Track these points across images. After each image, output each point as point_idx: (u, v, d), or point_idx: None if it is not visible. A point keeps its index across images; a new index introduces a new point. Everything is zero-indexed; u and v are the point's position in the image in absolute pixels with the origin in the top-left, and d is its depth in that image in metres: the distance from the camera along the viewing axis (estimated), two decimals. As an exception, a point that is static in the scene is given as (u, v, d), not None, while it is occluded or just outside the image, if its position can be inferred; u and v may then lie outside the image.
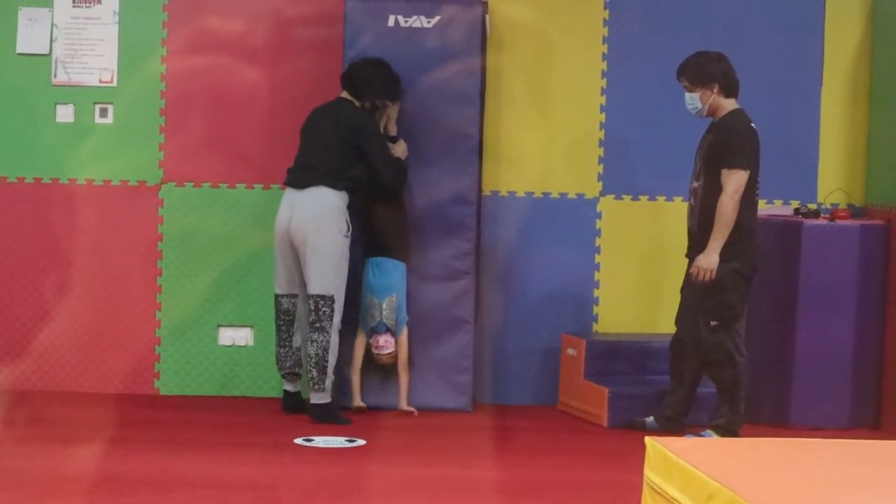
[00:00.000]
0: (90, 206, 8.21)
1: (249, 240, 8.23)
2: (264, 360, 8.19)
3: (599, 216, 8.40)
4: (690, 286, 7.29)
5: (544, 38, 8.33)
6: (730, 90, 7.30)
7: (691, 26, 8.25)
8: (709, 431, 7.25)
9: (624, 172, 8.38)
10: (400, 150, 7.88)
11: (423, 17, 7.98)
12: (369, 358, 7.94)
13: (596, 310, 8.42)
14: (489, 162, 8.29)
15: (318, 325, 7.59)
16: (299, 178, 7.71)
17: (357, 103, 7.79)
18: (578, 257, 8.37)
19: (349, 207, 7.71)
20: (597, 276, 8.41)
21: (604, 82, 8.37)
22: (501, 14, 8.25)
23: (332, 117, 7.75)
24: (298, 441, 7.21)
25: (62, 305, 8.20)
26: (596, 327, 8.42)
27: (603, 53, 8.36)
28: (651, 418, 7.55)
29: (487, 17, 8.09)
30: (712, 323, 7.23)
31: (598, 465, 6.99)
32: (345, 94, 7.82)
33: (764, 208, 7.96)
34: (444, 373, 8.02)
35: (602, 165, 8.39)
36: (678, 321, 7.45)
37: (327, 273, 7.59)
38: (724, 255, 7.14)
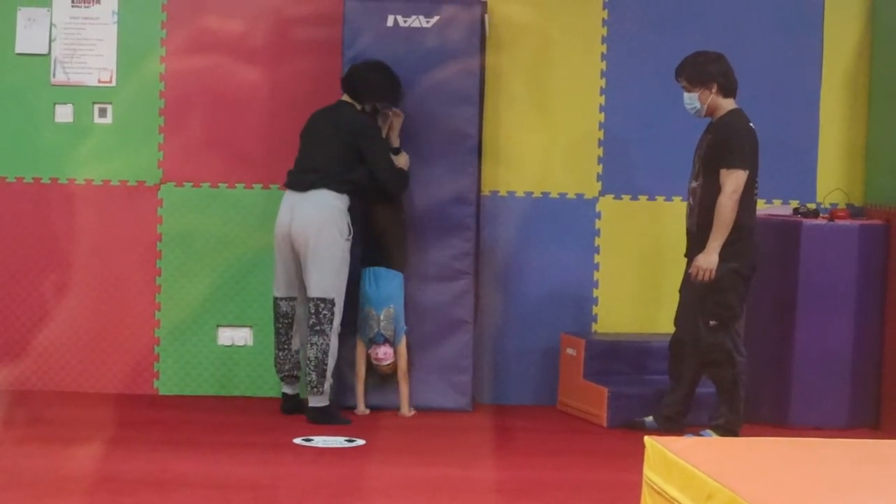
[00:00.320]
0: (89, 206, 8.20)
1: (249, 240, 8.23)
2: (263, 360, 8.19)
3: (599, 216, 8.40)
4: (689, 286, 7.29)
5: (544, 38, 8.33)
6: (728, 90, 7.30)
7: (690, 26, 8.25)
8: (708, 431, 7.25)
9: (623, 172, 8.38)
10: (402, 161, 7.88)
11: (422, 17, 7.98)
12: (369, 363, 7.94)
13: (595, 310, 8.42)
14: (488, 162, 8.29)
15: (317, 328, 7.58)
16: (300, 180, 7.69)
17: (358, 107, 7.78)
18: (578, 257, 8.37)
19: (349, 210, 7.70)
20: (596, 275, 8.41)
21: (603, 82, 8.37)
22: (501, 14, 8.26)
23: (333, 121, 7.74)
24: (298, 441, 7.21)
25: (61, 305, 8.19)
26: (595, 327, 8.42)
27: (602, 53, 8.36)
28: (650, 418, 7.55)
29: (486, 16, 8.09)
30: (711, 323, 7.23)
31: (597, 464, 6.99)
32: (345, 98, 7.81)
33: (763, 208, 7.96)
34: (444, 373, 8.02)
35: (601, 165, 8.40)
36: (677, 321, 7.45)
37: (328, 276, 7.58)
38: (724, 254, 7.14)
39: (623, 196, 8.40)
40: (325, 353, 7.59)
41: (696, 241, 7.26)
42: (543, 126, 8.36)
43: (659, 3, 8.36)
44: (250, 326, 8.27)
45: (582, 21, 8.34)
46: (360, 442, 7.25)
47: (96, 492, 6.12)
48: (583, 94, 8.35)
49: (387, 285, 7.87)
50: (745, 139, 7.21)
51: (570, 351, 8.11)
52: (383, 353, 7.86)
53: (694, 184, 7.34)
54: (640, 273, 8.41)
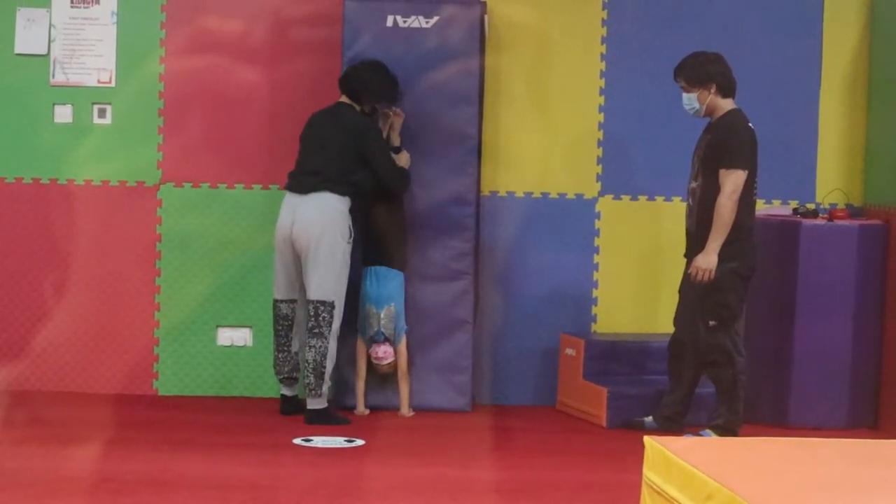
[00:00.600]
0: (88, 206, 8.20)
1: (248, 240, 8.23)
2: (263, 361, 8.19)
3: (598, 216, 8.40)
4: (689, 286, 7.29)
5: (543, 39, 8.33)
6: (727, 90, 7.30)
7: (690, 27, 8.25)
8: (707, 431, 7.25)
9: (622, 172, 8.38)
10: (403, 160, 7.88)
11: (421, 18, 7.98)
12: (369, 363, 7.94)
13: (595, 310, 8.42)
14: (488, 162, 8.29)
15: (317, 330, 7.58)
16: (302, 183, 7.68)
17: (357, 108, 7.78)
18: (577, 257, 8.37)
19: (350, 212, 7.70)
20: (595, 276, 8.41)
21: (602, 82, 8.37)
22: (500, 14, 8.26)
23: (333, 123, 7.73)
24: (297, 441, 7.21)
25: (61, 306, 8.19)
26: (595, 327, 8.42)
27: (601, 54, 8.36)
28: (650, 418, 7.55)
29: (486, 17, 8.09)
30: (711, 323, 7.23)
31: (597, 465, 6.99)
32: (344, 99, 7.80)
33: (762, 208, 7.96)
34: (443, 373, 8.02)
35: (601, 166, 8.40)
36: (677, 321, 7.45)
37: (329, 279, 7.58)
38: (723, 254, 7.14)
39: (622, 196, 8.40)
40: (324, 355, 7.58)
41: (696, 241, 7.27)
42: (543, 126, 8.36)
43: (658, 4, 8.36)
44: (250, 327, 8.27)
45: (581, 21, 8.34)
46: (360, 442, 7.25)
47: (96, 492, 6.12)
48: (582, 95, 8.35)
49: (388, 284, 7.87)
50: (744, 139, 7.21)
51: (569, 351, 8.11)
52: (383, 352, 7.86)
53: (693, 184, 7.34)
54: (639, 273, 8.41)
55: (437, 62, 7.95)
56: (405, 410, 7.89)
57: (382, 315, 7.85)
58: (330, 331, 7.59)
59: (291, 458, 6.92)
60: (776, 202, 8.36)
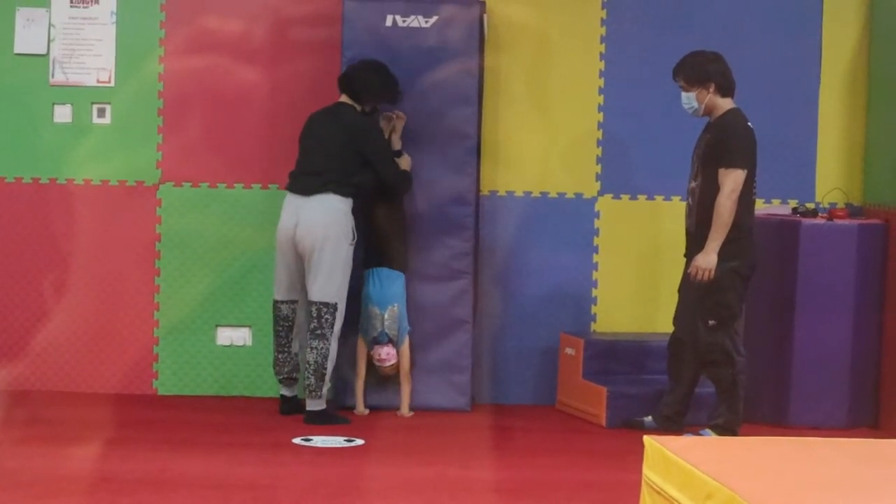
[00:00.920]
0: (88, 206, 8.20)
1: (248, 240, 8.23)
2: (262, 361, 8.19)
3: (597, 216, 8.40)
4: (688, 286, 7.29)
5: (542, 38, 8.33)
6: (726, 90, 7.30)
7: (689, 26, 8.25)
8: (707, 431, 7.25)
9: (622, 172, 8.38)
10: (405, 163, 7.88)
11: (421, 17, 7.98)
12: (369, 363, 7.94)
13: (594, 309, 8.42)
14: (487, 162, 8.29)
15: (318, 332, 7.57)
16: (304, 184, 7.67)
17: (358, 108, 7.78)
18: (577, 257, 8.37)
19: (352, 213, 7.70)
20: (595, 275, 8.41)
21: (601, 82, 8.37)
22: (499, 14, 8.25)
23: (333, 123, 7.72)
24: (297, 441, 7.21)
25: (60, 305, 8.19)
26: (594, 327, 8.42)
27: (601, 53, 8.36)
28: (649, 418, 7.55)
29: (485, 16, 8.09)
30: (710, 322, 7.23)
31: (596, 464, 6.99)
32: (344, 99, 7.80)
33: (762, 207, 7.96)
34: (443, 373, 8.02)
35: (600, 165, 8.40)
36: (676, 321, 7.45)
37: (332, 280, 7.57)
38: (722, 254, 7.14)
39: (622, 196, 8.40)
40: (325, 357, 7.58)
41: (695, 240, 7.27)
42: (542, 126, 8.36)
43: (658, 4, 8.36)
44: (249, 326, 8.27)
45: (581, 21, 8.34)
46: (359, 442, 7.25)
47: (95, 492, 6.12)
48: (582, 94, 8.35)
49: (390, 285, 7.87)
50: (743, 139, 7.21)
51: (569, 351, 8.11)
52: (386, 354, 7.85)
53: (693, 184, 7.34)
54: (639, 273, 8.41)
55: (437, 62, 7.95)
56: (405, 411, 7.89)
57: (386, 316, 7.85)
58: (331, 332, 7.58)
59: (291, 458, 6.92)
60: (776, 201, 8.36)
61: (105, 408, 7.87)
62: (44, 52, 8.21)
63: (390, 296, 7.86)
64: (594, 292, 8.42)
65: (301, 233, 7.59)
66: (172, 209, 8.25)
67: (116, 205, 8.21)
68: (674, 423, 7.42)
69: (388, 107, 7.93)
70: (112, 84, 8.22)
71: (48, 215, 8.21)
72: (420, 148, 7.97)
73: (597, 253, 8.41)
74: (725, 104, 7.30)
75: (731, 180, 7.12)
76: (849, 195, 8.38)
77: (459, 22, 7.97)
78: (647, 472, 4.72)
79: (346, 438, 7.28)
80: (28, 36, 8.19)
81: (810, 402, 7.86)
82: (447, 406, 7.99)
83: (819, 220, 8.00)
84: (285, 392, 7.87)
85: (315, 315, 7.57)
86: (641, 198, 8.40)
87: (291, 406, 7.83)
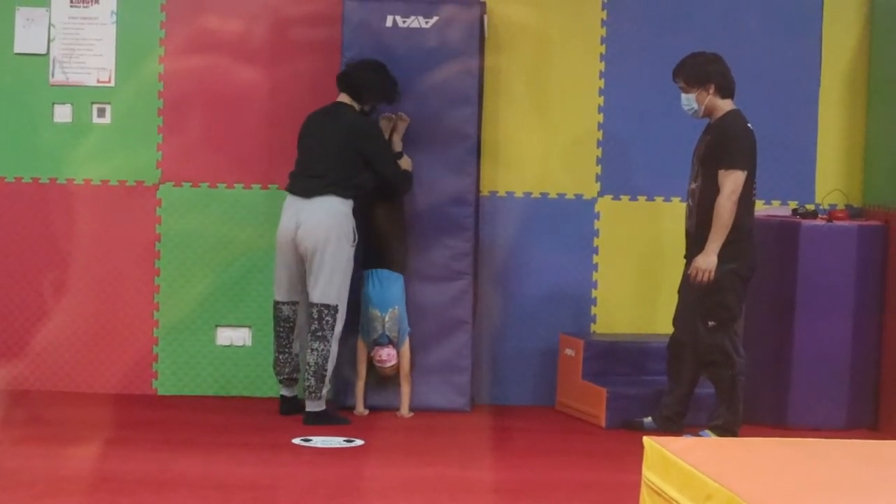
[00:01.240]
0: (88, 206, 8.20)
1: (248, 240, 8.23)
2: (262, 361, 8.19)
3: (597, 217, 8.40)
4: (688, 287, 7.29)
5: (542, 39, 8.33)
6: (726, 91, 7.30)
7: (689, 27, 8.25)
8: (707, 431, 7.25)
9: (622, 173, 8.38)
10: (405, 164, 7.89)
11: (421, 18, 7.98)
12: (370, 364, 7.94)
13: (594, 310, 8.42)
14: (487, 162, 8.29)
15: (319, 333, 7.57)
16: (305, 186, 7.65)
17: (357, 107, 7.77)
18: (576, 258, 8.37)
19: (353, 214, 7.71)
20: (595, 276, 8.41)
21: (602, 83, 8.37)
22: (500, 14, 8.25)
23: (333, 123, 7.70)
24: (296, 441, 7.21)
25: (60, 305, 8.19)
26: (594, 328, 8.42)
27: (601, 54, 8.36)
28: (649, 418, 7.55)
29: (485, 17, 8.09)
30: (710, 323, 7.23)
31: (596, 465, 7.00)
32: (343, 98, 7.79)
33: (762, 209, 7.96)
34: (443, 373, 8.02)
35: (600, 166, 8.40)
36: (676, 322, 7.45)
37: (333, 282, 7.57)
38: (722, 255, 7.14)
39: (622, 196, 8.40)
40: (326, 359, 7.58)
41: (695, 241, 7.27)
42: (542, 126, 8.36)
43: (658, 4, 8.36)
44: (249, 327, 8.27)
45: (581, 22, 8.34)
46: (359, 442, 7.26)
47: (95, 492, 6.12)
48: (582, 95, 8.35)
49: (390, 287, 7.87)
50: (743, 140, 7.21)
51: (568, 351, 8.11)
52: (386, 355, 7.85)
53: (693, 185, 7.34)
54: (638, 274, 8.41)
55: (437, 62, 7.96)
56: (405, 411, 7.89)
57: (387, 318, 7.85)
58: (332, 334, 7.58)
59: (291, 458, 6.92)
60: (776, 203, 8.36)
61: (105, 408, 7.87)
62: (44, 51, 8.21)
63: (390, 298, 7.86)
64: (594, 293, 8.42)
65: (302, 234, 7.58)
66: (172, 209, 8.25)
67: (116, 205, 8.21)
68: (673, 424, 7.42)
69: (387, 107, 7.93)
70: (112, 84, 8.22)
71: (48, 215, 8.21)
72: (420, 148, 7.97)
73: (597, 254, 8.41)
74: (725, 105, 7.30)
75: (732, 181, 7.12)
76: (849, 196, 8.38)
77: (459, 22, 7.97)
78: (647, 472, 4.72)
79: (345, 439, 7.28)
80: (28, 36, 8.19)
81: (810, 403, 7.86)
82: (447, 406, 7.99)
83: (819, 222, 8.00)
84: (285, 392, 7.87)
85: (316, 317, 7.57)
86: (641, 199, 8.40)
87: (291, 406, 7.83)
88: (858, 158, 8.42)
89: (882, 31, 8.26)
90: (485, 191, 8.32)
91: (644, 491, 4.76)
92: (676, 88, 7.35)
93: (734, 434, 7.18)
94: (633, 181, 8.38)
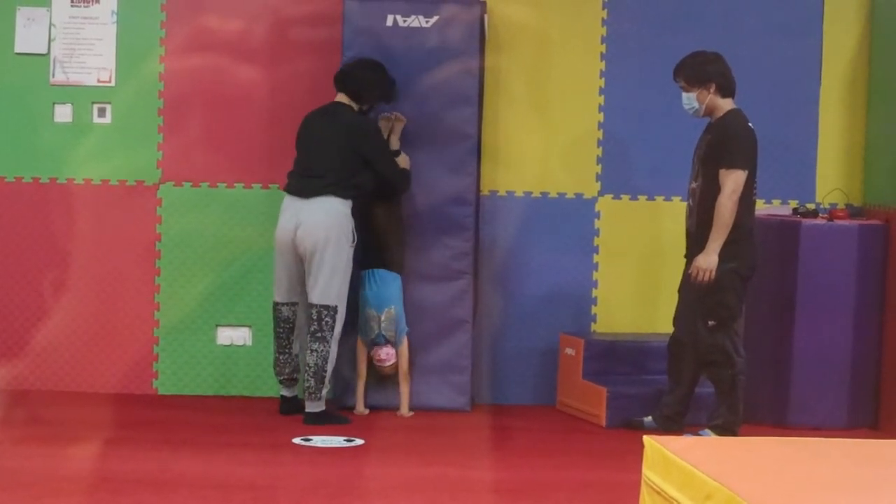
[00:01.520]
0: (88, 205, 8.20)
1: (248, 240, 8.23)
2: (263, 360, 8.19)
3: (598, 216, 8.40)
4: (688, 286, 7.29)
5: (543, 38, 8.33)
6: (727, 90, 7.30)
7: (690, 26, 8.25)
8: (707, 431, 7.25)
9: (622, 172, 8.38)
10: (403, 163, 7.88)
11: (421, 17, 7.98)
12: (370, 364, 7.94)
13: (594, 310, 8.42)
14: (487, 162, 8.29)
15: (319, 334, 7.56)
16: (304, 186, 7.64)
17: (355, 107, 7.77)
18: (577, 257, 8.37)
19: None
20: (595, 275, 8.41)
21: (602, 82, 8.37)
22: (500, 14, 8.25)
23: (332, 123, 7.70)
24: (297, 441, 7.21)
25: (60, 305, 8.19)
26: (594, 327, 8.42)
27: (601, 53, 8.36)
28: (649, 418, 7.55)
29: (486, 17, 8.09)
30: (710, 323, 7.23)
31: (596, 464, 6.99)
32: (340, 98, 7.78)
33: (762, 208, 7.96)
34: (443, 373, 8.02)
35: (600, 165, 8.40)
36: (676, 321, 7.45)
37: (333, 283, 7.56)
38: (723, 254, 7.14)
39: (622, 196, 8.40)
40: (325, 359, 7.58)
41: (696, 241, 7.27)
42: (542, 126, 8.36)
43: (658, 4, 8.36)
44: (249, 326, 8.27)
45: (581, 21, 8.34)
46: (359, 442, 7.25)
47: (95, 492, 6.12)
48: (582, 94, 8.35)
49: (387, 287, 7.87)
50: (744, 139, 7.21)
51: (569, 351, 8.11)
52: (385, 355, 7.86)
53: (693, 184, 7.34)
54: (639, 273, 8.41)
55: (437, 62, 7.95)
56: (404, 411, 7.89)
57: (383, 318, 7.85)
58: (332, 335, 7.57)
59: (291, 458, 6.92)
60: (776, 202, 8.36)
61: (105, 407, 7.87)
62: (44, 51, 8.21)
63: (387, 298, 7.86)
64: (594, 292, 8.42)
65: (302, 235, 7.58)
66: (172, 209, 8.25)
67: (116, 204, 8.21)
68: (674, 424, 7.42)
69: (386, 107, 7.93)
70: (112, 83, 8.22)
71: (48, 215, 8.21)
72: (420, 148, 7.97)
73: (597, 253, 8.41)
74: (726, 105, 7.29)
75: (732, 181, 7.12)
76: (849, 196, 8.38)
77: (460, 22, 7.97)
78: (647, 472, 4.72)
79: (346, 438, 7.28)
80: (28, 35, 8.19)
81: (810, 403, 7.86)
82: (447, 406, 7.99)
83: (819, 221, 8.00)
84: (285, 392, 7.87)
85: (315, 318, 7.56)
86: (642, 198, 8.40)
87: (291, 406, 7.83)
88: (859, 158, 8.42)
89: (882, 32, 8.26)
90: (485, 190, 8.32)
91: (644, 490, 4.76)
92: (677, 88, 7.35)
93: (734, 433, 7.18)
94: (634, 181, 8.38)
